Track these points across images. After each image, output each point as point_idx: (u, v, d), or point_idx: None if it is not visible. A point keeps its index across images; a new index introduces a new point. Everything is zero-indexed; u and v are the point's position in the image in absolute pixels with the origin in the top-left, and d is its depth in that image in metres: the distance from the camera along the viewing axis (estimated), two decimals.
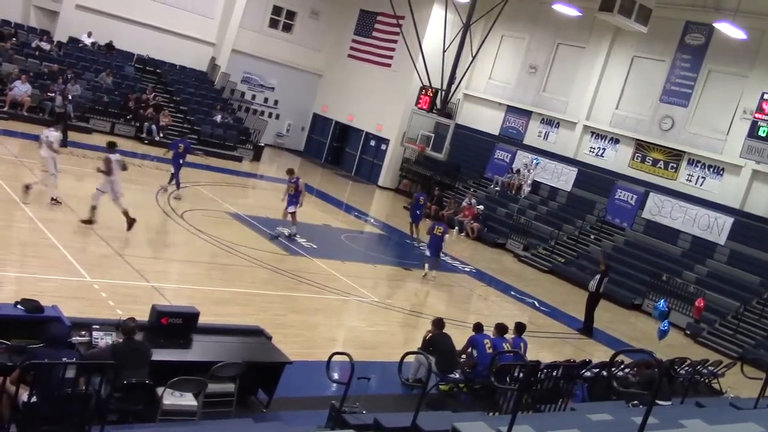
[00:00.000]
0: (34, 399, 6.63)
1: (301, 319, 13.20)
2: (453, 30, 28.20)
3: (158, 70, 30.81)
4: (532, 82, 29.80)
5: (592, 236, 25.09)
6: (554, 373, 10.39)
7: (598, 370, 11.76)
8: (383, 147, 32.84)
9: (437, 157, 27.88)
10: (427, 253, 18.70)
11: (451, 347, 11.22)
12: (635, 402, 9.22)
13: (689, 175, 24.81)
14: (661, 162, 25.54)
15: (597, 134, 27.65)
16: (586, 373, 11.52)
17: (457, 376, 11.19)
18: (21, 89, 24.24)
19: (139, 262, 13.70)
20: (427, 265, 18.51)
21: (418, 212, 22.87)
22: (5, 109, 23.88)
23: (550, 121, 29.12)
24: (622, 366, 12.31)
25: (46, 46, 27.63)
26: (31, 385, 6.70)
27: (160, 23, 30.39)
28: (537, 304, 18.96)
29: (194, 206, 19.45)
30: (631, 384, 11.33)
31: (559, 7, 26.03)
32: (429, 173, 30.83)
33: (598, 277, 17.65)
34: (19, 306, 7.91)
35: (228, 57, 32.44)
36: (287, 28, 34.45)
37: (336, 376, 9.60)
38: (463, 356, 11.50)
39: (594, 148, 27.67)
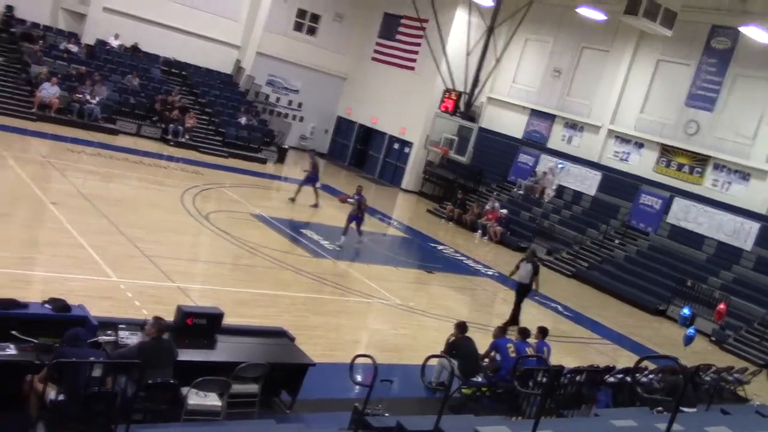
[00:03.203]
0: (61, 397, 6.73)
1: (324, 321, 13.24)
2: (477, 33, 28.17)
3: (184, 73, 31.09)
4: (555, 85, 29.68)
5: (617, 241, 24.92)
6: (578, 378, 10.34)
7: (622, 375, 11.69)
8: (406, 150, 32.86)
9: (460, 161, 27.83)
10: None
11: (473, 351, 11.20)
12: (659, 408, 9.17)
13: (715, 180, 24.56)
14: (687, 167, 25.30)
15: (621, 138, 27.45)
16: (610, 379, 11.44)
17: (480, 379, 11.16)
18: (50, 91, 24.56)
19: (165, 262, 13.83)
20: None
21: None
22: (34, 110, 24.21)
23: (573, 125, 28.98)
24: (647, 372, 12.22)
25: (74, 48, 27.98)
26: (58, 383, 6.80)
27: (186, 26, 30.67)
28: (560, 309, 18.87)
29: (219, 208, 19.60)
30: (655, 390, 11.25)
31: (583, 11, 25.90)
32: (452, 176, 30.79)
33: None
34: (46, 305, 8.01)
35: (253, 60, 32.66)
36: (311, 31, 34.59)
37: (359, 378, 9.64)
38: (486, 360, 11.47)
39: (618, 153, 27.48)
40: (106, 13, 28.95)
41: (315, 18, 34.46)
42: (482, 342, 11.61)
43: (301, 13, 34.04)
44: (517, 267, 16.08)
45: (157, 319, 7.87)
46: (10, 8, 27.59)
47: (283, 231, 18.95)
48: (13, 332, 7.44)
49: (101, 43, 29.27)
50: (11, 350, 7.25)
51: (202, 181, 22.17)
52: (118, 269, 12.70)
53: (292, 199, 22.57)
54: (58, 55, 27.12)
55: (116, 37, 29.50)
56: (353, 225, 19.18)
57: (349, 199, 19.87)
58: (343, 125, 36.22)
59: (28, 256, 12.75)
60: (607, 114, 27.66)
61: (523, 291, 15.99)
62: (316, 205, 22.66)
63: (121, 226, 15.26)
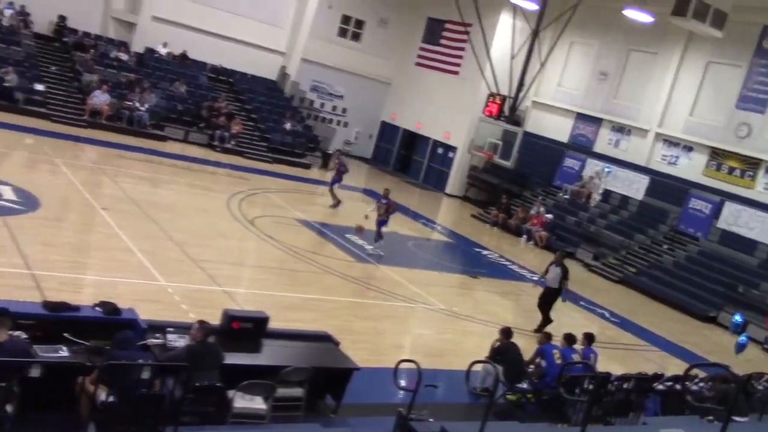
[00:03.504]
0: (111, 399, 6.87)
1: (368, 326, 13.27)
2: (521, 37, 27.97)
3: (230, 79, 31.52)
4: (602, 88, 29.31)
5: (665, 246, 24.48)
6: (625, 386, 10.16)
7: (671, 383, 11.46)
8: (450, 155, 32.79)
9: (505, 165, 27.66)
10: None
11: (519, 356, 11.11)
12: (710, 417, 8.97)
13: (767, 183, 23.96)
14: (737, 170, 24.74)
15: (670, 142, 26.98)
16: (658, 386, 11.23)
17: (525, 386, 11.06)
18: (100, 98, 25.13)
19: (212, 267, 14.02)
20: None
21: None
22: (85, 117, 24.79)
23: (621, 129, 28.57)
24: (697, 380, 11.97)
25: (123, 56, 28.59)
26: (108, 385, 6.94)
27: (232, 33, 31.09)
28: (607, 315, 18.60)
29: (264, 213, 19.79)
30: (706, 399, 11.00)
31: (630, 13, 25.50)
32: (497, 181, 30.63)
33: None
34: (97, 308, 8.18)
35: (298, 66, 32.95)
36: (356, 36, 34.78)
37: (403, 383, 9.61)
38: (531, 366, 11.37)
39: (667, 156, 27.00)
40: (154, 21, 29.52)
41: (359, 24, 34.64)
42: (527, 348, 11.52)
43: (346, 19, 34.25)
44: (547, 270, 15.65)
45: (202, 323, 7.97)
46: (62, 18, 28.31)
47: (327, 236, 19.06)
48: (66, 335, 7.62)
49: (150, 51, 29.84)
50: (64, 352, 7.42)
51: (248, 187, 22.42)
52: (166, 273, 12.91)
53: (333, 206, 22.54)
54: (108, 64, 27.73)
55: (165, 45, 30.06)
56: (381, 230, 18.73)
57: (381, 202, 19.09)
58: (387, 130, 36.28)
59: (79, 260, 13.05)
60: (655, 117, 27.22)
61: (551, 295, 15.47)
62: (335, 206, 22.49)
63: (169, 230, 15.52)
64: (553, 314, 15.54)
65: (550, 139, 30.59)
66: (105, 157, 21.69)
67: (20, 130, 21.87)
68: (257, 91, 31.82)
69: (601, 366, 12.15)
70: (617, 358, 14.83)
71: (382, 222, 18.70)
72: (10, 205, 14.54)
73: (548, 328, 12.77)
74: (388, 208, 18.78)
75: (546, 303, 15.44)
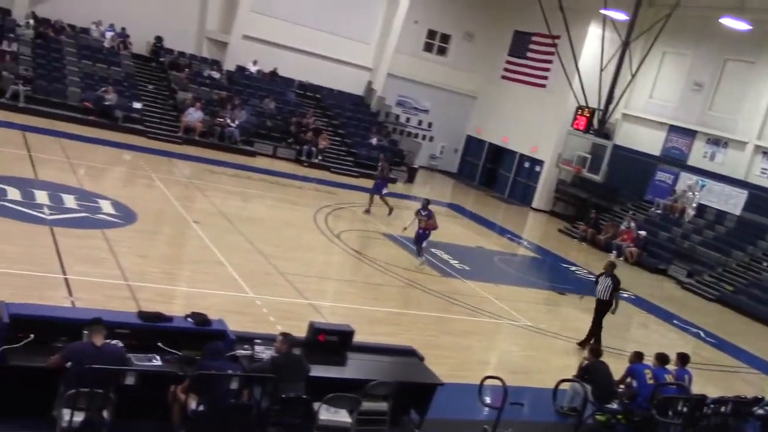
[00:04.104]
0: (201, 408, 7.04)
1: (453, 341, 13.17)
2: (611, 48, 27.40)
3: (318, 95, 32.08)
4: (696, 100, 28.35)
5: (765, 263, 23.39)
6: (722, 409, 9.76)
7: None
8: (537, 168, 32.34)
9: (594, 179, 27.10)
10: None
11: (608, 376, 10.78)
12: None
13: None
14: None
15: None
16: (758, 411, 10.71)
17: (615, 406, 10.72)
18: (194, 116, 26.00)
19: (298, 280, 14.23)
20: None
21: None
22: (180, 134, 25.69)
23: (716, 141, 27.53)
24: None
25: (216, 74, 29.52)
26: (199, 394, 7.11)
27: (320, 50, 31.66)
28: (702, 335, 17.89)
29: (350, 227, 19.98)
30: None
31: (726, 21, 24.66)
32: (585, 195, 30.00)
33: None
34: (189, 319, 8.40)
35: (384, 81, 33.25)
36: (442, 51, 34.85)
37: (488, 400, 9.50)
38: (622, 386, 11.02)
39: (767, 170, 25.85)
40: (245, 40, 30.38)
41: (445, 38, 34.72)
42: (616, 368, 11.16)
43: (432, 34, 34.40)
44: (596, 282, 14.72)
45: (286, 335, 8.06)
46: (159, 39, 29.48)
47: (413, 250, 19.04)
48: (159, 344, 7.86)
49: (241, 69, 30.70)
50: (157, 361, 7.65)
51: (334, 201, 22.70)
52: (254, 285, 13.18)
53: (389, 212, 22.04)
54: (202, 82, 28.68)
55: (255, 63, 30.87)
56: (423, 245, 17.48)
57: (421, 214, 17.60)
58: (473, 144, 36.12)
59: (173, 271, 13.49)
60: (754, 129, 26.11)
61: (601, 308, 14.46)
62: (368, 211, 21.98)
63: (258, 243, 15.86)
64: (642, 333, 15.06)
65: (641, 152, 29.77)
66: (197, 172, 22.40)
67: (119, 146, 22.86)
68: (344, 106, 32.25)
69: (696, 388, 11.66)
70: (713, 380, 14.23)
71: (422, 236, 17.44)
72: (110, 218, 15.17)
73: (640, 348, 12.34)
74: (429, 220, 17.38)
75: (597, 316, 14.47)
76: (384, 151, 30.16)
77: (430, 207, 17.84)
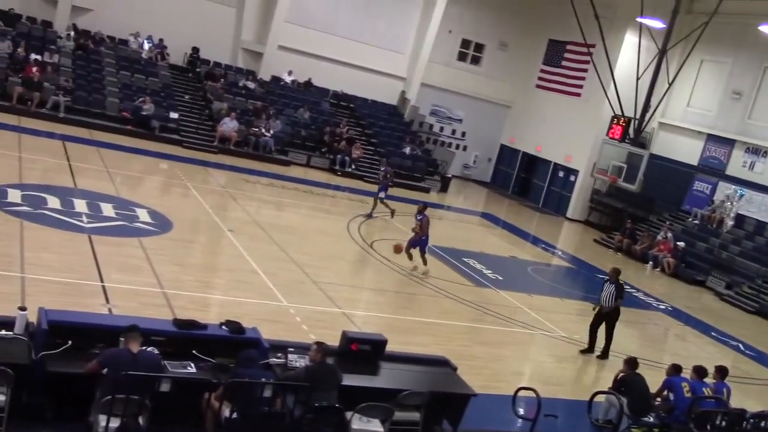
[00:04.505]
0: (234, 415, 7.08)
1: (486, 351, 13.10)
2: (647, 56, 27.11)
3: (351, 105, 32.23)
4: (735, 108, 27.90)
5: None
6: (762, 424, 9.55)
7: None
8: (572, 178, 32.08)
9: (630, 189, 26.79)
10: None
11: (644, 389, 10.62)
12: None
13: None
14: None
15: None
16: None
17: (652, 419, 10.56)
18: (229, 125, 26.28)
19: (331, 288, 14.27)
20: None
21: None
22: (215, 143, 25.98)
23: (756, 150, 27.04)
24: None
25: (251, 84, 29.81)
26: (232, 402, 7.16)
27: (354, 60, 31.83)
28: (742, 347, 17.55)
29: (383, 236, 19.99)
30: None
31: (766, 29, 24.26)
32: (621, 205, 29.67)
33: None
34: (223, 327, 8.46)
35: (417, 90, 33.30)
36: (475, 60, 34.81)
37: (522, 411, 9.42)
38: (658, 399, 10.85)
39: None
40: (280, 50, 30.65)
41: (479, 47, 34.67)
42: (653, 380, 10.99)
43: (466, 43, 34.38)
44: (601, 288, 14.19)
45: (320, 344, 8.08)
46: (195, 50, 29.86)
47: (446, 259, 19.00)
48: (194, 352, 7.93)
49: (276, 79, 30.97)
50: (191, 368, 7.72)
51: (367, 210, 22.72)
52: (288, 294, 13.24)
53: (392, 214, 21.86)
54: (237, 92, 28.98)
55: (289, 73, 31.13)
56: (418, 252, 16.73)
57: (417, 219, 17.04)
58: (506, 154, 35.97)
59: (207, 279, 13.62)
60: None
61: (605, 315, 14.02)
62: (369, 215, 21.75)
63: (292, 252, 15.94)
64: (680, 345, 14.81)
65: (678, 161, 29.38)
66: (232, 181, 22.62)
67: (156, 155, 23.20)
68: (377, 116, 32.35)
69: (735, 402, 11.44)
70: (753, 394, 13.94)
71: (415, 243, 16.78)
72: (146, 227, 15.37)
73: (677, 361, 12.15)
74: (422, 227, 16.62)
75: (595, 323, 14.09)
76: (418, 160, 30.17)
77: (426, 212, 17.11)
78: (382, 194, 21.98)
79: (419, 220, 16.94)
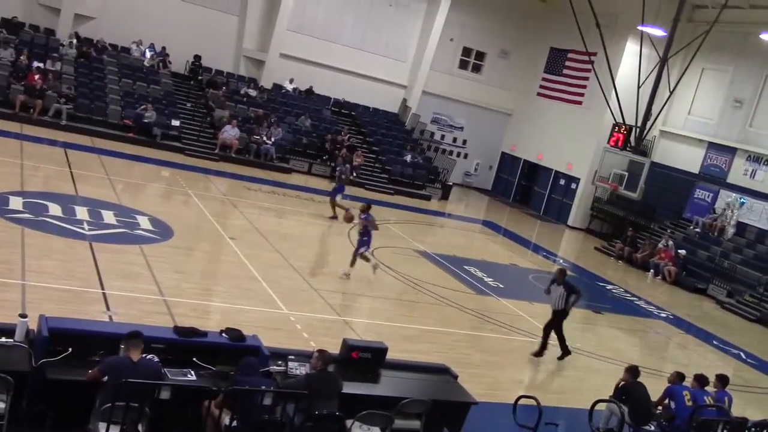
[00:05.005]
0: (234, 423, 7.07)
1: (487, 360, 13.08)
2: (648, 65, 27.15)
3: (353, 113, 32.28)
4: (736, 116, 27.92)
5: None
6: None
7: None
8: (573, 186, 32.09)
9: (631, 197, 26.79)
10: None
11: (645, 397, 10.59)
12: None
13: None
14: None
15: None
16: None
17: (653, 428, 10.53)
18: (230, 133, 26.32)
19: (332, 296, 14.27)
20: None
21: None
22: (216, 151, 26.01)
23: (757, 158, 27.05)
24: None
25: (253, 92, 29.87)
26: (232, 409, 7.15)
27: (355, 68, 31.92)
28: (743, 356, 17.52)
29: (384, 244, 19.98)
30: None
31: (766, 37, 24.30)
32: (622, 213, 29.67)
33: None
34: (223, 334, 8.45)
35: (419, 98, 33.37)
36: (477, 68, 34.88)
37: (522, 420, 9.40)
38: (660, 407, 10.82)
39: None
40: (282, 58, 30.74)
41: (480, 55, 34.75)
42: (654, 389, 10.97)
43: (467, 51, 34.46)
44: (548, 291, 13.80)
45: (321, 352, 8.08)
46: (198, 58, 29.94)
47: (446, 267, 19.00)
48: (194, 359, 7.93)
49: (277, 87, 31.04)
50: (192, 376, 7.71)
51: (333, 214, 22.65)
52: (288, 302, 13.24)
53: (333, 217, 21.03)
54: (238, 100, 29.04)
55: (291, 81, 31.20)
56: (362, 252, 15.73)
57: (355, 220, 16.55)
58: (507, 161, 36.01)
59: (208, 287, 13.62)
60: None
61: (554, 317, 13.57)
62: (334, 217, 21.03)
63: (292, 260, 15.94)
64: (681, 353, 14.78)
65: (679, 169, 29.40)
66: (233, 189, 22.64)
67: (157, 163, 23.23)
68: (379, 123, 32.40)
69: (737, 410, 11.40)
70: (754, 403, 13.91)
71: (362, 244, 15.77)
72: (147, 234, 15.38)
73: (678, 369, 12.12)
74: (366, 226, 15.70)
75: (549, 327, 13.72)
76: (419, 167, 30.19)
77: (371, 212, 16.13)
78: (339, 196, 21.11)
79: (363, 218, 15.84)
